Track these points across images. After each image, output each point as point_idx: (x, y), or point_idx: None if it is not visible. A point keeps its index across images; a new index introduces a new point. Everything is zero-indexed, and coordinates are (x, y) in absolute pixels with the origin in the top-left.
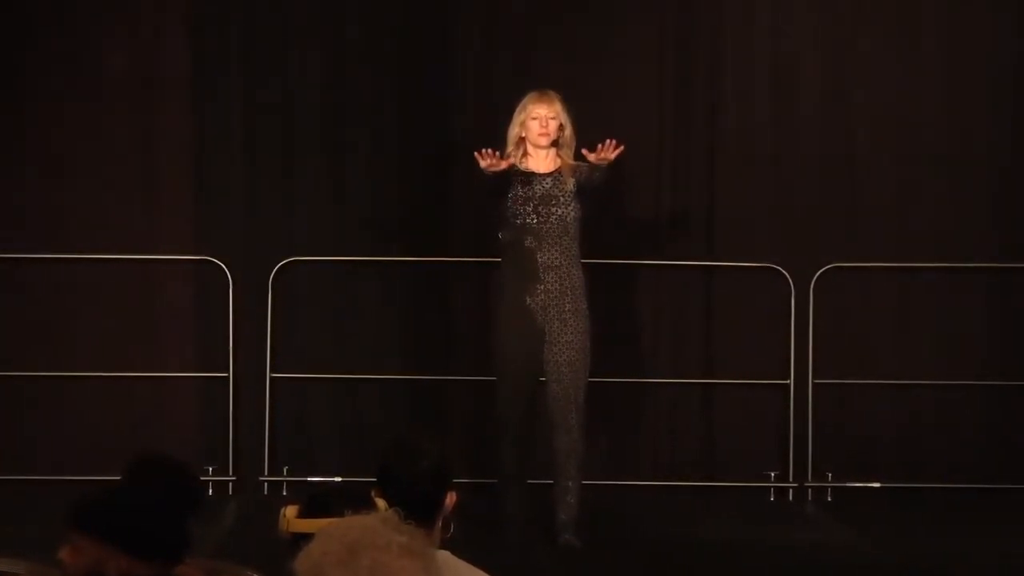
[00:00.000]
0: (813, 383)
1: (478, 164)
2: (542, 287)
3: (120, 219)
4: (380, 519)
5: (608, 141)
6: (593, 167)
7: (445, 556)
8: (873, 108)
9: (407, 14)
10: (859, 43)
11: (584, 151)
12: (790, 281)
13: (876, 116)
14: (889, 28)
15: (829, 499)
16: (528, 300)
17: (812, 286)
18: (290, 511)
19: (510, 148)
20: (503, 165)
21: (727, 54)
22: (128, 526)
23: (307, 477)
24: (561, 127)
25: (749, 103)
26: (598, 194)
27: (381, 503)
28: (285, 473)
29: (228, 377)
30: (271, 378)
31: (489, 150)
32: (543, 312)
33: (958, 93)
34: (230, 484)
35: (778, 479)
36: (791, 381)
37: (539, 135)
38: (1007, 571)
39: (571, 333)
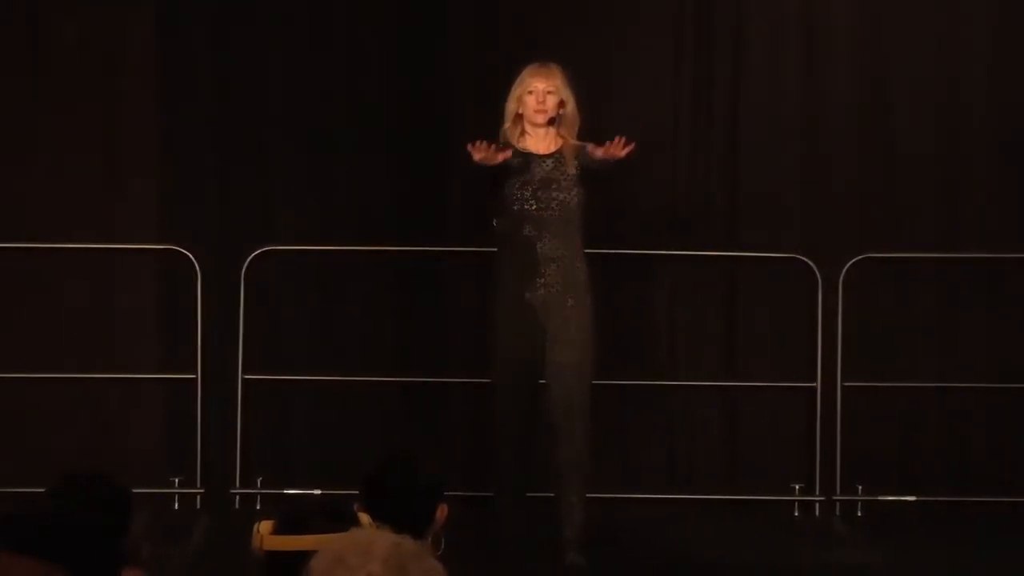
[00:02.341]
0: (842, 386)
1: (471, 157)
2: (542, 280)
3: (77, 204)
4: (388, 543)
5: (618, 138)
6: (600, 159)
7: None
8: (912, 83)
9: None
10: (898, 13)
11: (590, 147)
12: (817, 273)
13: (915, 92)
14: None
15: (860, 514)
16: (527, 295)
17: (841, 279)
18: (264, 527)
19: (507, 125)
20: (499, 158)
21: (752, 19)
22: (54, 539)
23: (283, 490)
24: (562, 103)
25: (776, 76)
26: (604, 178)
27: (365, 518)
28: (259, 485)
29: (196, 379)
30: (243, 380)
31: (483, 142)
32: (543, 308)
33: (1006, 68)
34: (198, 497)
35: (804, 492)
36: (818, 384)
37: (535, 111)
38: None
39: (574, 331)
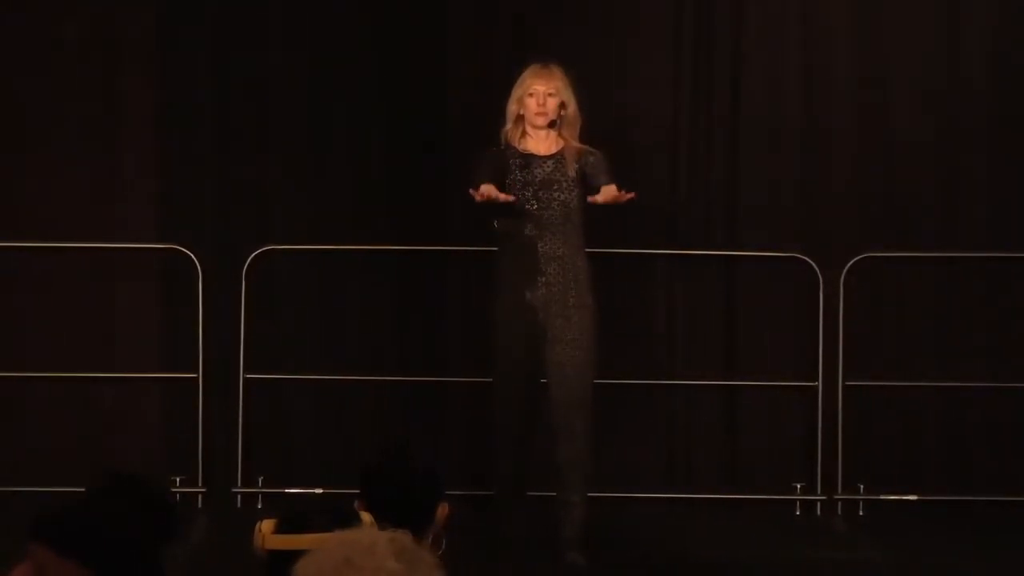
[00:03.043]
0: (843, 385)
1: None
2: (543, 280)
3: (76, 204)
4: (386, 539)
5: (622, 191)
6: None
7: None
8: (912, 83)
9: None
10: (898, 13)
11: (590, 199)
12: (818, 272)
13: (915, 92)
14: None
15: (861, 514)
16: (528, 294)
17: (842, 278)
18: (266, 526)
19: (508, 126)
20: (501, 199)
21: (752, 19)
22: (108, 546)
23: (285, 489)
24: (563, 105)
25: (776, 74)
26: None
27: (366, 517)
28: (260, 484)
29: (197, 378)
30: (245, 379)
31: (484, 190)
32: (544, 307)
33: (1006, 68)
34: (199, 496)
35: (804, 491)
36: (819, 383)
37: (536, 114)
38: None
39: (575, 330)
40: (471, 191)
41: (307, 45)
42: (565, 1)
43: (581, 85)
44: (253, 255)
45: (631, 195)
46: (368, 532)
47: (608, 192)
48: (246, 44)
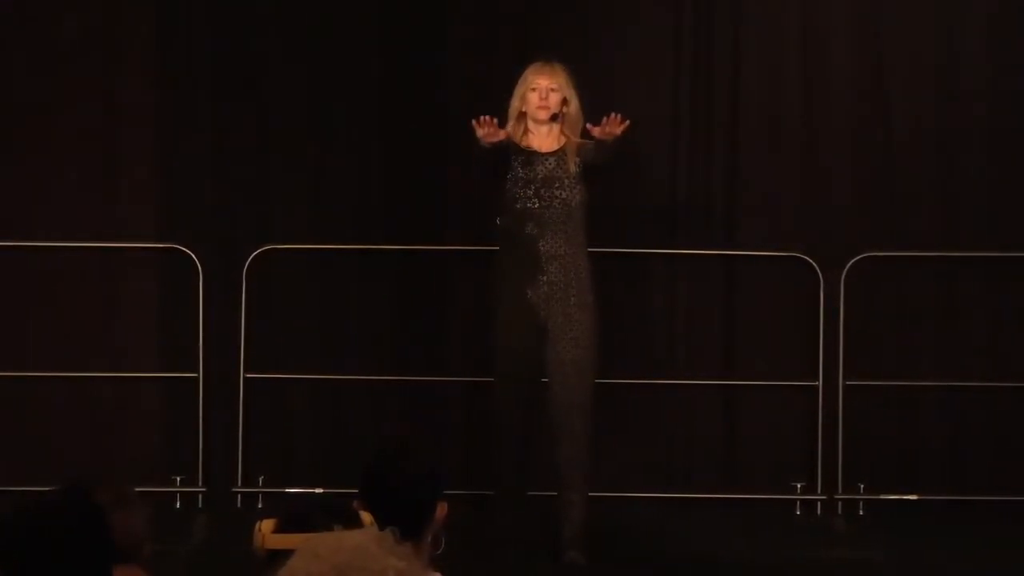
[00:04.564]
0: (844, 384)
1: (474, 133)
2: (544, 278)
3: (77, 203)
4: (374, 539)
5: (613, 115)
6: (599, 144)
7: None
8: (912, 83)
9: None
10: (896, 13)
11: (588, 125)
12: (819, 272)
13: (914, 91)
14: None
15: (861, 513)
16: (529, 292)
17: (843, 277)
18: (266, 526)
19: (511, 123)
20: (501, 135)
21: (752, 19)
22: (37, 555)
23: (285, 488)
24: (565, 101)
25: (775, 74)
26: (606, 174)
27: (366, 516)
28: (260, 484)
29: (197, 378)
30: (245, 379)
31: (487, 117)
32: (545, 306)
33: (1007, 63)
34: (200, 496)
35: (805, 491)
36: (819, 382)
37: (538, 108)
38: None
39: (576, 329)
40: (472, 122)
41: (307, 45)
42: (566, 3)
43: (581, 85)
44: (253, 254)
45: (626, 122)
46: (353, 533)
47: (603, 124)
48: (246, 44)
